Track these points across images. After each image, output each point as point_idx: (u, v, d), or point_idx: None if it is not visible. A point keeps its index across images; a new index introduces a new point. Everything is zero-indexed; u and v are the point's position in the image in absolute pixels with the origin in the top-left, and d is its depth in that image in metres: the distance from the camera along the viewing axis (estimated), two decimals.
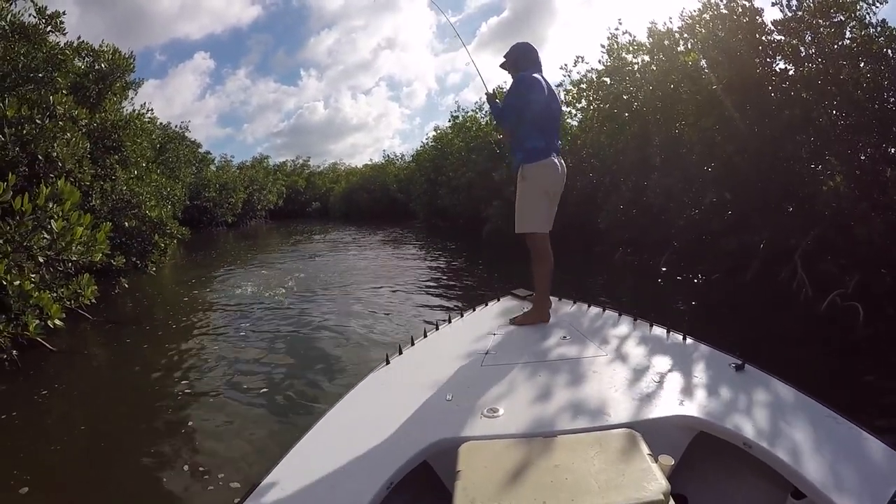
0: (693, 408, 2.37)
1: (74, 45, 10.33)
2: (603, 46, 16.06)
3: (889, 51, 8.98)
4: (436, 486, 2.22)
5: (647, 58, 14.80)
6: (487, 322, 3.94)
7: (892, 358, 6.18)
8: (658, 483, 1.72)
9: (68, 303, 6.53)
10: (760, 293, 9.59)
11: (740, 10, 10.70)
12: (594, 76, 16.89)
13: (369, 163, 63.61)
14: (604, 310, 3.99)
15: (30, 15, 8.93)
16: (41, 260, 5.83)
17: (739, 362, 2.76)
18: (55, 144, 7.67)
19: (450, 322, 3.96)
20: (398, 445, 2.19)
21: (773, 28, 10.37)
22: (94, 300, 6.91)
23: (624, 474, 1.78)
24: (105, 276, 10.16)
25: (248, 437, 4.88)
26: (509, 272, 10.17)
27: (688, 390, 2.55)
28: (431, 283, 12.61)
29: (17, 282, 5.42)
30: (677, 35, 13.05)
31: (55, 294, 6.26)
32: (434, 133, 32.91)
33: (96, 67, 10.78)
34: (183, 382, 6.32)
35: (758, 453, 2.08)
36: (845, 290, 8.10)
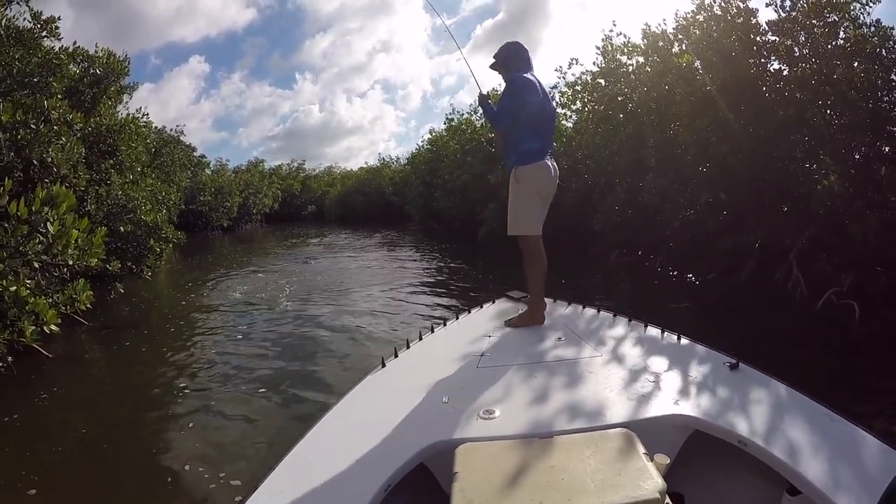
0: (688, 407, 2.39)
1: (70, 50, 10.32)
2: (597, 48, 16.09)
3: (883, 50, 9.02)
4: (433, 488, 2.22)
5: (641, 59, 14.82)
6: (482, 324, 3.94)
7: (890, 356, 6.20)
8: (654, 482, 1.72)
9: (64, 308, 6.49)
10: (756, 293, 9.62)
11: (734, 10, 10.74)
12: (589, 78, 16.90)
13: (364, 166, 63.79)
14: (599, 311, 4.00)
15: (25, 20, 8.91)
16: (36, 265, 5.82)
17: (734, 361, 2.77)
18: (50, 149, 7.65)
19: (445, 324, 3.96)
20: (395, 448, 2.19)
21: (767, 28, 10.40)
22: (89, 305, 6.86)
23: (620, 474, 1.79)
24: (101, 281, 10.12)
25: (247, 439, 4.90)
26: (505, 274, 10.17)
27: (683, 389, 2.57)
28: (427, 286, 12.62)
29: (13, 287, 5.41)
30: (671, 36, 13.10)
31: (51, 299, 6.23)
32: (429, 135, 32.84)
33: (91, 72, 10.77)
34: (181, 387, 6.32)
35: (753, 451, 2.09)
36: (840, 289, 8.14)
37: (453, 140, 26.96)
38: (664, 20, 14.91)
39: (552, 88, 18.37)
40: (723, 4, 10.96)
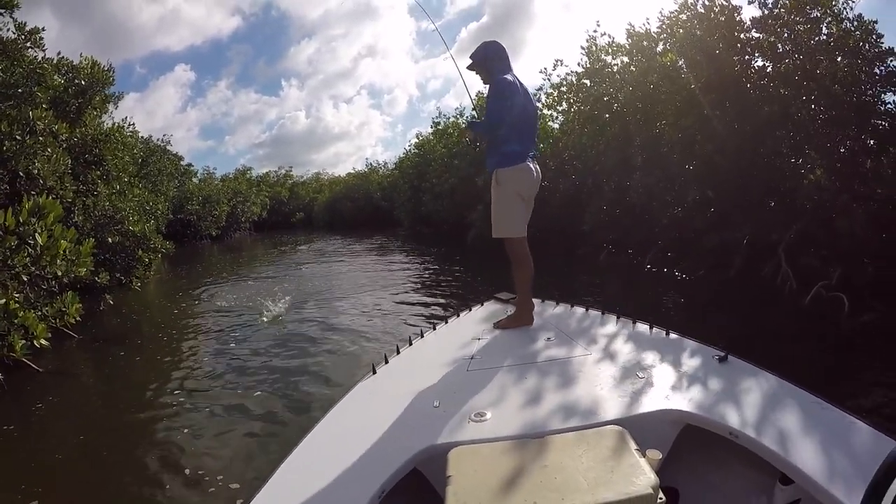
0: (679, 401, 2.40)
1: (54, 61, 10.28)
2: (582, 49, 16.17)
3: (865, 45, 9.10)
4: (427, 492, 2.22)
5: (626, 59, 14.93)
6: (472, 327, 3.94)
7: (881, 346, 6.25)
8: (646, 477, 1.73)
9: (53, 321, 6.47)
10: (745, 288, 9.67)
11: (717, 8, 10.82)
12: (574, 79, 17.00)
13: (352, 171, 63.66)
14: (587, 309, 4.01)
15: (8, 30, 8.88)
16: (25, 278, 5.79)
17: (722, 354, 2.79)
18: (36, 161, 7.63)
19: (434, 329, 3.95)
20: (387, 454, 2.19)
21: (750, 26, 10.49)
22: (79, 318, 6.85)
23: (612, 470, 1.79)
24: (90, 294, 10.06)
25: (239, 449, 4.87)
26: (495, 276, 10.17)
27: (673, 384, 2.58)
28: (417, 290, 12.62)
29: (2, 301, 5.38)
30: (655, 36, 13.17)
31: (40, 313, 6.21)
32: (416, 140, 32.98)
33: (76, 82, 10.73)
34: (172, 398, 6.28)
35: (744, 442, 2.11)
36: (829, 282, 8.19)
37: (440, 143, 27.07)
38: (647, 20, 15.02)
39: (538, 90, 18.54)
40: (706, 3, 11.06)
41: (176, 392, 6.42)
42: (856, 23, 9.28)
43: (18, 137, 7.51)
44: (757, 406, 2.30)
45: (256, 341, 8.59)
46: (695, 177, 11.17)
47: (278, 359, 7.54)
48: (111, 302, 11.34)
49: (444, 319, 4.23)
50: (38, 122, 8.05)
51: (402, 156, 37.44)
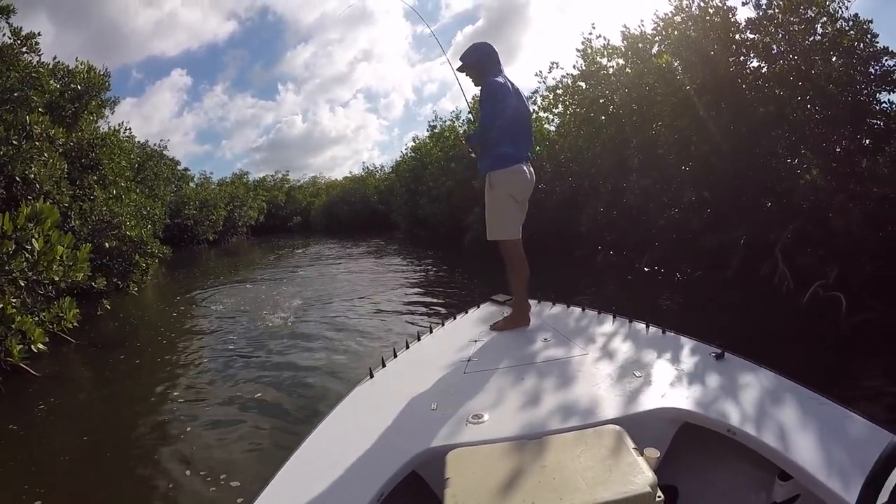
0: (676, 399, 2.40)
1: (50, 66, 10.28)
2: (578, 51, 16.13)
3: (860, 44, 9.12)
4: (426, 495, 2.22)
5: (621, 61, 14.91)
6: (468, 329, 3.94)
7: (879, 345, 6.26)
8: (644, 476, 1.74)
9: (51, 326, 6.46)
10: (743, 289, 9.68)
11: (712, 10, 10.83)
12: (570, 81, 16.95)
13: (349, 175, 63.47)
14: (584, 309, 4.01)
15: (4, 35, 8.88)
16: (22, 283, 5.77)
17: (719, 351, 2.80)
18: (32, 166, 7.62)
19: (431, 331, 3.95)
20: (386, 458, 2.19)
21: (745, 26, 10.50)
22: (76, 323, 6.85)
23: (610, 470, 1.80)
24: (87, 299, 10.05)
25: (238, 451, 4.88)
26: (491, 278, 10.15)
27: (670, 382, 2.59)
28: (414, 293, 12.62)
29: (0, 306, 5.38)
30: (650, 37, 13.18)
31: (37, 318, 6.20)
32: (413, 143, 32.95)
33: (72, 87, 10.72)
34: (171, 401, 6.29)
35: (742, 439, 2.11)
36: (826, 282, 8.20)
37: (437, 147, 27.01)
38: (642, 21, 15.02)
39: (533, 93, 18.46)
40: (701, 4, 11.08)
41: (174, 395, 6.43)
42: (851, 22, 9.30)
43: (15, 142, 7.50)
44: (754, 402, 2.31)
45: (254, 344, 8.60)
46: (691, 178, 11.17)
47: (275, 362, 7.55)
48: (109, 307, 11.32)
49: (441, 322, 4.24)
50: (35, 127, 8.05)
51: (398, 159, 37.35)
